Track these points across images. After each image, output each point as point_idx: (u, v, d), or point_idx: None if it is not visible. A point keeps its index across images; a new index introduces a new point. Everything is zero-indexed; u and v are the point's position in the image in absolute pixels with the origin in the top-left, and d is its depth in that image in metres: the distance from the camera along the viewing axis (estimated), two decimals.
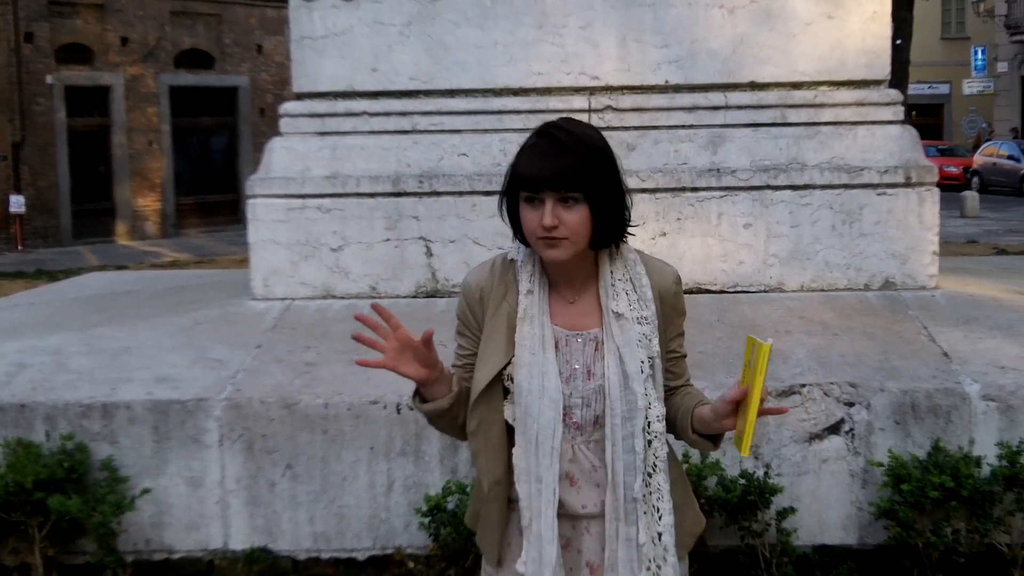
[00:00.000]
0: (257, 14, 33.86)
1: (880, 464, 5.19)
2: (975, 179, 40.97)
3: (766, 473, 5.08)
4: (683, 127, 6.83)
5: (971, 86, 52.14)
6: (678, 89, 6.89)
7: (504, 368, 2.98)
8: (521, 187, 2.89)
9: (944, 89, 54.14)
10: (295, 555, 5.44)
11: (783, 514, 5.11)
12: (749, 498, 5.00)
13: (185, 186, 32.97)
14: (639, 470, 2.94)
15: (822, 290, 6.65)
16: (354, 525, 5.41)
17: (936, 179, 6.76)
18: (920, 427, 5.28)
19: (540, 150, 2.88)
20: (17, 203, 28.08)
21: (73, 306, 7.64)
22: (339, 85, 6.96)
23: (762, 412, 2.78)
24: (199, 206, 33.19)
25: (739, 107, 6.84)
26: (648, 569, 2.95)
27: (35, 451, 5.21)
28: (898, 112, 6.89)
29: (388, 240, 6.75)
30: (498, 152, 6.73)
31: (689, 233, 6.67)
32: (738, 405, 2.83)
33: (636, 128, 6.80)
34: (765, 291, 6.67)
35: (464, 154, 6.82)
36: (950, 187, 29.15)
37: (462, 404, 3.05)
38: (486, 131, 6.84)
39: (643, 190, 6.53)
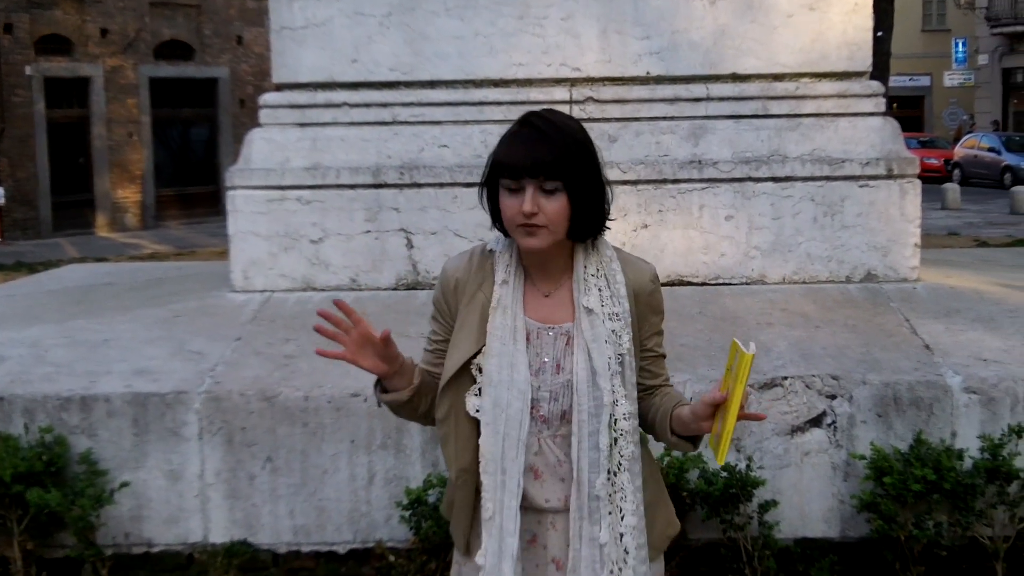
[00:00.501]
0: (237, 5, 33.77)
1: (862, 457, 5.18)
2: (956, 171, 41.03)
3: (748, 466, 5.07)
4: (665, 119, 6.82)
5: (952, 78, 52.24)
6: (659, 81, 6.88)
7: (474, 357, 2.97)
8: (501, 175, 2.89)
9: (925, 81, 54.19)
10: (275, 548, 5.41)
11: (765, 507, 5.11)
12: (731, 491, 4.99)
13: (165, 178, 32.87)
14: (602, 467, 2.92)
15: (804, 282, 6.65)
16: (335, 518, 5.39)
17: (918, 171, 6.77)
18: (902, 420, 5.28)
19: (521, 139, 2.88)
20: None
21: (52, 298, 7.60)
22: (319, 76, 6.93)
23: (742, 417, 2.77)
24: (179, 198, 33.11)
25: (721, 99, 6.84)
26: (611, 572, 2.93)
27: (13, 444, 5.18)
28: (880, 104, 6.89)
29: (368, 232, 6.73)
30: (479, 144, 6.70)
31: (671, 225, 6.66)
32: (717, 408, 2.82)
33: (617, 120, 6.78)
34: (747, 283, 6.67)
35: (445, 146, 6.80)
36: (931, 179, 29.20)
37: (423, 395, 3.06)
38: (467, 122, 6.82)
39: (624, 182, 6.51)
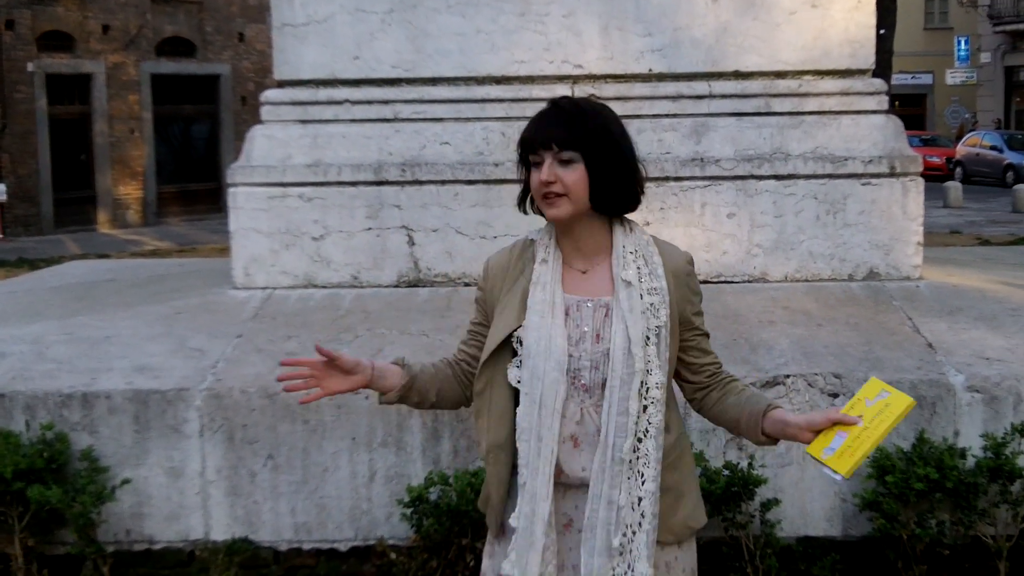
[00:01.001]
0: (238, 2, 33.69)
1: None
2: (958, 169, 40.96)
3: (750, 464, 5.06)
4: (667, 116, 6.81)
5: (954, 76, 52.15)
6: (661, 78, 6.87)
7: (515, 331, 3.07)
8: (525, 151, 3.05)
9: (927, 79, 54.12)
10: (276, 546, 5.41)
11: (767, 505, 5.10)
12: (733, 489, 4.99)
13: (166, 174, 32.81)
14: (630, 431, 2.99)
15: (806, 280, 6.64)
16: (336, 516, 5.39)
17: (920, 169, 6.76)
18: (904, 418, 5.25)
19: (541, 116, 3.07)
20: None
21: (53, 295, 7.60)
22: (321, 73, 6.92)
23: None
24: (180, 194, 33.04)
25: (723, 96, 6.83)
26: (624, 535, 2.98)
27: (15, 441, 5.18)
28: (882, 102, 6.88)
29: (370, 229, 6.72)
30: (480, 141, 6.70)
31: (672, 223, 6.64)
32: (834, 425, 2.96)
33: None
34: (749, 281, 6.66)
35: (446, 143, 6.79)
36: (933, 177, 29.13)
37: (421, 391, 3.25)
38: (468, 120, 6.81)
39: None
